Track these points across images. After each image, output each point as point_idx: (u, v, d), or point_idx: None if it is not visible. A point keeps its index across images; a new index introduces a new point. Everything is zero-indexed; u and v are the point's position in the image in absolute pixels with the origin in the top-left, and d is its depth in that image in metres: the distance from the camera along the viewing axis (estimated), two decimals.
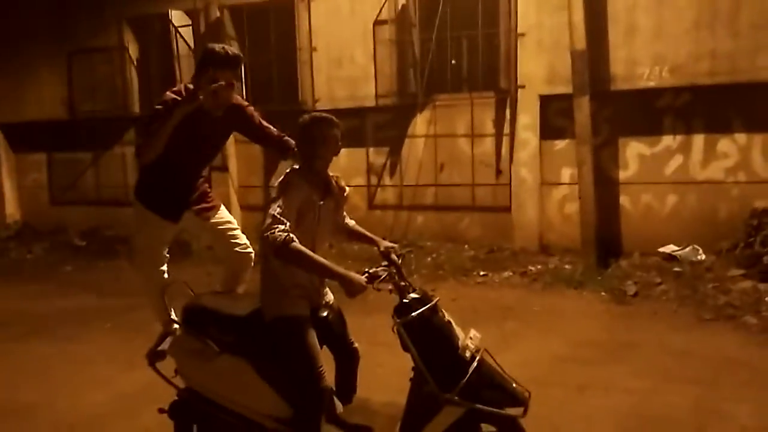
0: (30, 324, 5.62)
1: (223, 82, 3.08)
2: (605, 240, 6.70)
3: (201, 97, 3.07)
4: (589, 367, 4.22)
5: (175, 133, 3.09)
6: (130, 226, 3.57)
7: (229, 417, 2.86)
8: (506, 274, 6.61)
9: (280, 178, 2.76)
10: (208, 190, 3.55)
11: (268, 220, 2.54)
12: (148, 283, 3.48)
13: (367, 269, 2.72)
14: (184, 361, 2.95)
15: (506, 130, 7.30)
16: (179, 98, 3.12)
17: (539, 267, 6.63)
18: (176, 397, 3.03)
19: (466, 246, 7.43)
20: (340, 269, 2.58)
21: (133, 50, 9.22)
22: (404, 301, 2.66)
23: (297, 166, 2.79)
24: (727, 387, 3.83)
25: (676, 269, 6.02)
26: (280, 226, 2.51)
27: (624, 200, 6.88)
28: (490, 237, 7.41)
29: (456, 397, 2.53)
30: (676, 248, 6.40)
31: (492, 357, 2.69)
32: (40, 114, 9.76)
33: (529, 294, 6.04)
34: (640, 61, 6.62)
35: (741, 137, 6.38)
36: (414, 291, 2.72)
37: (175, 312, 3.27)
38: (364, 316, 3.26)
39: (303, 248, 2.53)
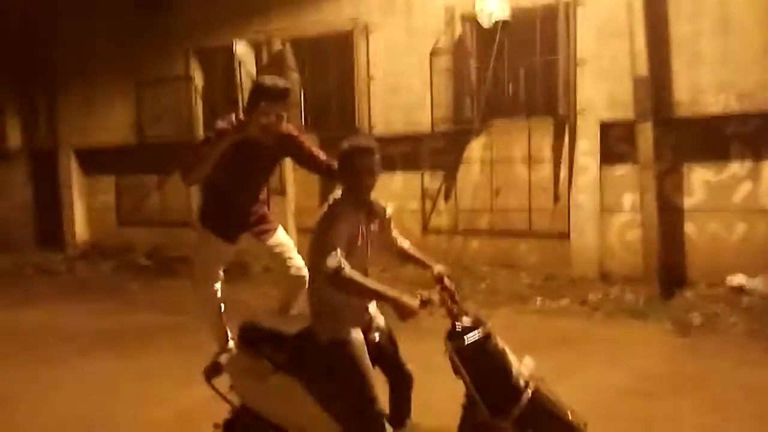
0: (94, 338, 5.85)
1: (273, 116, 3.29)
2: (669, 269, 6.47)
3: (251, 128, 3.29)
4: (654, 400, 4.06)
5: (226, 159, 3.29)
6: (192, 247, 3.76)
7: None
8: (564, 302, 6.46)
9: (326, 209, 2.83)
10: (267, 213, 3.70)
11: (321, 250, 2.61)
12: (205, 300, 3.63)
13: (419, 293, 2.72)
14: (239, 379, 3.03)
15: (564, 155, 7.20)
16: (229, 127, 3.31)
17: (599, 296, 6.44)
18: (230, 414, 3.08)
19: (522, 273, 7.31)
20: (393, 292, 2.60)
21: (198, 79, 9.60)
22: (457, 326, 2.65)
23: (340, 195, 2.84)
24: None
25: (745, 300, 5.74)
26: (332, 254, 2.57)
27: (689, 228, 6.64)
28: (547, 264, 7.27)
29: (509, 425, 2.49)
30: (745, 279, 6.12)
31: (547, 385, 2.65)
32: (109, 139, 10.25)
33: (589, 323, 5.87)
34: (705, 87, 6.44)
35: None
36: (467, 316, 2.71)
37: (231, 330, 3.36)
38: (417, 341, 3.24)
39: (355, 274, 2.58)
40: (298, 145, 3.59)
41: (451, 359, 2.63)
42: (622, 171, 6.89)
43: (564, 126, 7.15)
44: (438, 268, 2.97)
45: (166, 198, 10.12)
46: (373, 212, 2.92)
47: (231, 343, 3.28)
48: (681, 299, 6.09)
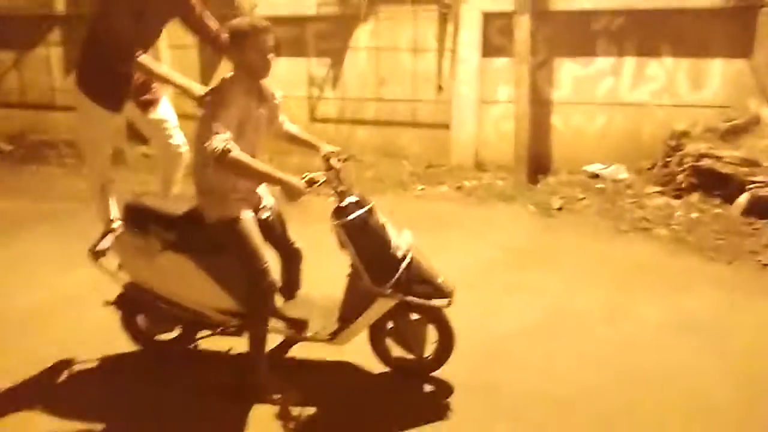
0: None
1: None
2: (537, 158, 7.00)
3: None
4: (517, 270, 4.58)
5: (122, 7, 3.07)
6: (73, 123, 3.53)
7: (175, 309, 3.03)
8: (443, 188, 6.86)
9: (215, 87, 2.83)
10: (151, 81, 3.53)
11: (208, 131, 2.61)
12: (92, 178, 3.52)
13: (306, 174, 2.86)
14: (128, 258, 3.09)
15: (448, 45, 7.35)
16: None
17: (474, 182, 6.90)
18: (122, 291, 3.14)
19: (405, 162, 7.60)
20: (281, 174, 2.72)
21: None
22: (342, 204, 2.85)
23: (232, 75, 2.82)
24: (636, 288, 4.26)
25: (599, 186, 6.41)
26: (220, 135, 2.58)
27: (556, 120, 7.14)
28: (429, 153, 7.59)
29: (388, 290, 2.78)
30: (602, 167, 6.77)
31: (422, 255, 2.94)
32: None
33: (464, 207, 6.32)
34: None
35: (668, 61, 6.68)
36: (352, 195, 2.90)
37: (116, 210, 3.32)
38: (307, 225, 3.41)
39: (243, 156, 2.63)
40: (191, 6, 3.44)
41: (337, 234, 2.84)
42: (499, 63, 7.16)
43: (447, 15, 7.24)
44: (326, 148, 3.09)
45: (24, 78, 9.22)
46: (263, 96, 2.93)
47: (116, 224, 3.25)
48: (545, 185, 6.67)
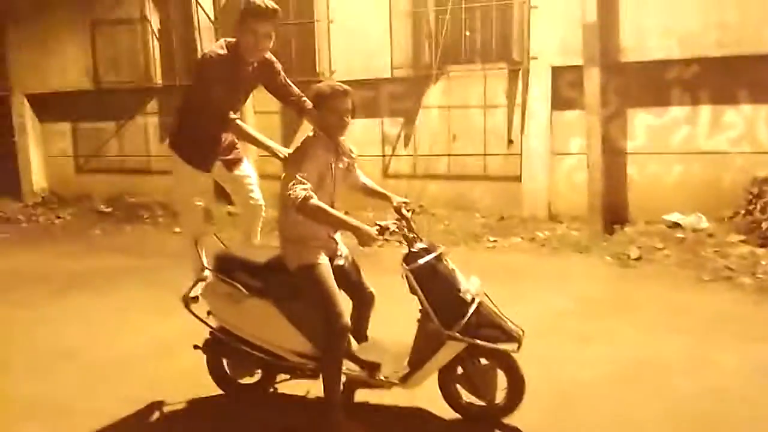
0: (65, 280, 5.99)
1: (262, 35, 3.45)
2: (612, 208, 6.94)
3: (241, 47, 3.46)
4: (591, 320, 4.52)
5: (216, 76, 3.43)
6: (166, 186, 3.92)
7: (257, 352, 3.22)
8: (515, 239, 6.88)
9: (299, 145, 3.10)
10: (236, 141, 3.87)
11: (291, 181, 2.86)
12: (186, 232, 3.85)
13: (378, 222, 3.03)
14: (216, 304, 3.31)
15: (518, 101, 7.50)
16: (224, 52, 3.50)
17: (547, 233, 6.88)
18: (209, 336, 3.38)
19: (477, 214, 7.70)
20: (354, 221, 2.91)
21: (154, 21, 9.46)
22: (412, 249, 3.00)
23: (313, 134, 3.09)
24: (718, 338, 4.11)
25: (679, 236, 6.25)
26: (301, 185, 2.83)
27: (631, 169, 7.09)
28: (500, 205, 7.67)
29: (457, 334, 2.87)
30: (681, 216, 6.61)
31: (491, 300, 3.03)
32: (64, 84, 10.05)
33: (537, 258, 6.31)
34: (650, 33, 6.77)
35: (746, 108, 6.54)
36: (421, 241, 3.06)
37: (207, 260, 3.61)
38: (381, 275, 3.57)
39: (321, 203, 2.86)
40: (276, 72, 3.75)
41: (407, 278, 2.97)
42: (571, 116, 7.24)
43: (518, 72, 7.44)
44: (397, 199, 3.29)
45: (123, 145, 10.07)
46: (341, 152, 3.18)
47: (206, 272, 3.52)
48: (621, 235, 6.57)
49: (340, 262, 3.25)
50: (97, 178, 10.20)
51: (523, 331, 2.98)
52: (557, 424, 3.14)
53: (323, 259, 3.08)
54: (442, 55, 7.74)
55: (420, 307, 3.01)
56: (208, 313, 3.38)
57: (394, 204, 3.26)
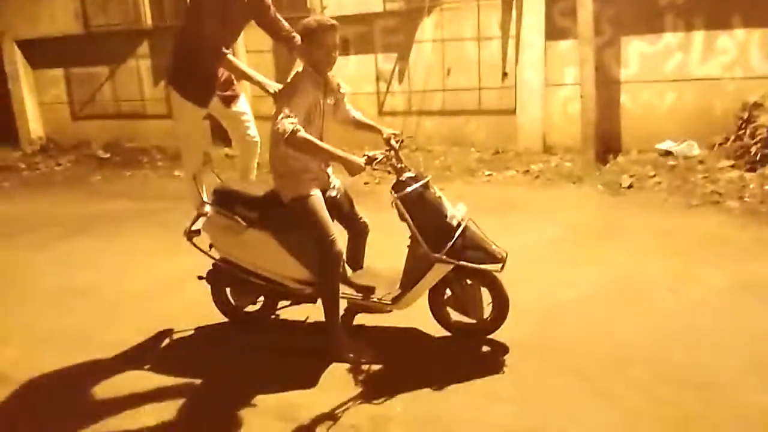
0: (71, 225, 6.13)
1: None
2: (605, 138, 7.01)
3: None
4: (580, 245, 4.69)
5: (199, 15, 3.50)
6: (162, 130, 4.02)
7: (257, 280, 3.42)
8: (510, 173, 6.99)
9: (288, 81, 3.18)
10: (232, 78, 3.93)
11: (279, 116, 2.94)
12: (186, 168, 3.98)
13: (366, 152, 3.15)
14: (217, 236, 3.47)
15: (512, 32, 7.46)
16: None
17: (541, 165, 6.98)
18: (212, 267, 3.56)
19: (472, 149, 7.77)
20: (341, 152, 3.01)
21: None
22: (401, 178, 3.14)
23: (302, 69, 3.16)
24: (703, 258, 4.28)
25: (671, 163, 6.36)
26: (289, 119, 2.92)
27: (624, 98, 7.12)
28: (495, 139, 7.73)
29: (444, 256, 3.04)
30: (673, 144, 6.70)
31: (476, 224, 3.19)
32: (54, 29, 9.91)
33: (531, 190, 6.44)
34: None
35: (739, 33, 6.52)
36: (409, 171, 3.18)
37: (206, 195, 3.74)
38: (378, 212, 3.70)
39: (308, 136, 2.96)
40: (267, 7, 3.81)
41: (397, 206, 3.13)
42: (565, 45, 7.21)
43: (511, 2, 7.35)
44: (387, 131, 3.39)
45: (117, 89, 10.04)
46: (329, 87, 3.25)
47: (207, 207, 3.66)
48: (614, 165, 6.68)
49: (332, 193, 3.39)
50: (93, 123, 10.22)
51: (506, 253, 3.14)
52: (544, 339, 3.33)
53: (315, 191, 3.21)
54: None
55: (410, 234, 3.17)
56: (210, 245, 3.54)
57: (384, 135, 3.36)
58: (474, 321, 3.28)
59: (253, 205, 3.35)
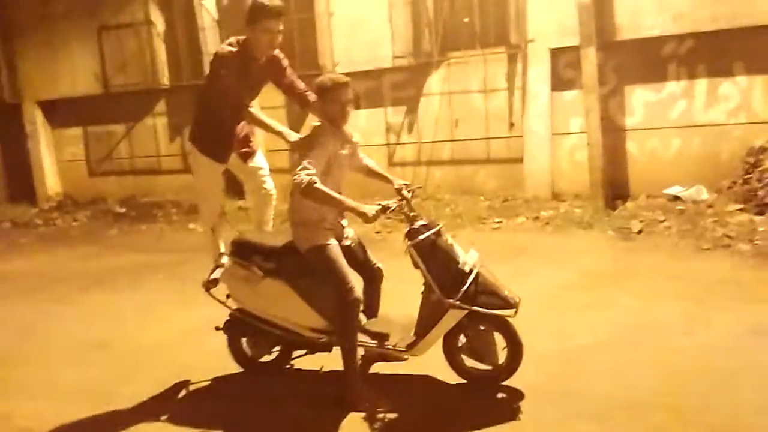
0: (88, 279, 6.24)
1: (275, 33, 3.68)
2: (613, 184, 7.10)
3: (254, 46, 3.70)
4: (591, 290, 4.72)
5: (229, 74, 3.65)
6: (177, 185, 4.14)
7: (273, 329, 3.48)
8: (520, 220, 7.06)
9: (307, 134, 3.35)
10: (250, 135, 4.10)
11: (299, 168, 3.09)
12: (205, 218, 4.11)
13: (380, 202, 3.24)
14: (235, 286, 3.56)
15: (518, 83, 7.66)
16: (237, 50, 3.71)
17: (551, 212, 7.05)
18: (229, 317, 3.62)
19: (482, 197, 7.88)
20: (354, 203, 3.15)
21: (159, 23, 9.66)
22: (413, 226, 3.23)
23: (319, 123, 3.32)
24: (715, 301, 4.29)
25: (680, 208, 6.41)
26: (307, 170, 3.07)
27: (631, 145, 7.23)
28: (504, 187, 7.84)
29: (458, 302, 3.09)
30: (681, 189, 6.76)
31: (488, 270, 3.25)
32: (74, 90, 10.29)
33: (541, 236, 6.50)
34: (644, 10, 6.89)
35: (741, 80, 6.67)
36: (421, 219, 3.28)
37: (224, 247, 3.83)
38: (391, 259, 3.78)
39: (323, 187, 3.10)
40: (284, 68, 3.97)
41: (410, 253, 3.20)
42: (570, 96, 7.39)
43: (516, 55, 7.59)
44: (398, 181, 3.52)
45: (134, 147, 10.31)
46: (345, 138, 3.41)
47: (224, 258, 3.74)
48: (623, 210, 6.74)
49: (347, 242, 3.48)
50: (109, 180, 10.47)
51: (519, 298, 3.19)
52: (561, 384, 3.33)
53: (332, 240, 3.31)
54: (441, 42, 7.90)
55: (423, 280, 3.24)
56: (227, 296, 3.61)
57: (396, 186, 3.48)
58: (488, 367, 3.30)
59: (270, 255, 3.44)
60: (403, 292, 3.51)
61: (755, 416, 2.90)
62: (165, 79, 9.73)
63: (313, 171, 3.08)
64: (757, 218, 5.70)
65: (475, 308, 3.12)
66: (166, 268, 6.34)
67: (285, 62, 3.98)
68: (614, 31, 7.04)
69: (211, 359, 3.88)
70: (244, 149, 4.09)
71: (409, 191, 3.43)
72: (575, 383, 3.36)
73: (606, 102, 7.16)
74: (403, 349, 3.30)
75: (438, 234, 3.24)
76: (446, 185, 8.21)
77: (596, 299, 4.52)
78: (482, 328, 3.26)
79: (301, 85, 3.98)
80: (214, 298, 3.66)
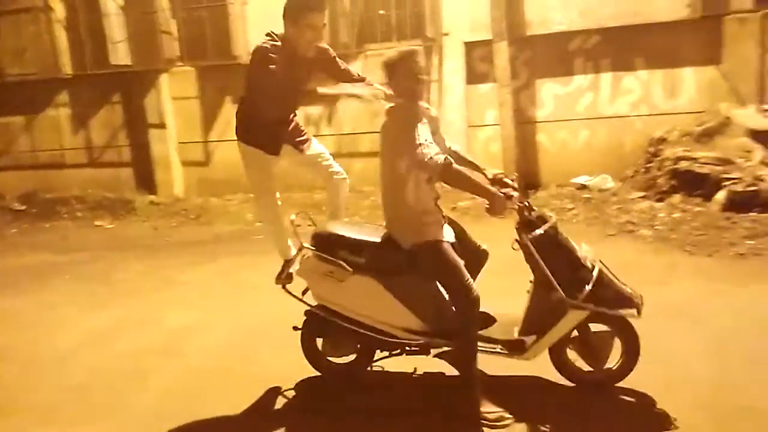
0: None
1: (321, 27, 3.51)
2: (526, 174, 7.35)
3: (299, 42, 3.50)
4: (498, 277, 4.77)
5: (275, 65, 3.40)
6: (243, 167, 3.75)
7: (361, 329, 3.14)
8: None
9: (389, 117, 3.02)
10: (299, 123, 3.83)
11: (419, 149, 2.67)
12: (265, 213, 3.86)
13: (502, 190, 2.92)
14: (317, 282, 3.22)
15: (435, 76, 7.76)
16: (278, 45, 3.49)
17: (467, 202, 7.22)
18: (306, 315, 3.31)
19: None
20: (491, 187, 2.84)
21: (59, 10, 9.10)
22: (530, 219, 2.98)
23: (396, 104, 2.99)
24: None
25: (587, 196, 6.74)
26: (432, 151, 2.67)
27: (541, 137, 7.52)
28: None
29: (581, 302, 2.85)
30: (588, 178, 7.10)
31: (606, 266, 3.00)
32: None
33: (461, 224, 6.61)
34: (552, 6, 7.16)
35: (642, 74, 7.07)
36: (534, 210, 3.04)
37: (298, 239, 3.41)
38: None
39: (461, 168, 2.75)
40: (333, 58, 3.80)
41: (525, 247, 2.92)
42: (484, 89, 7.58)
43: (432, 48, 7.68)
44: (492, 170, 3.20)
45: (35, 140, 9.70)
46: (427, 115, 3.00)
47: (293, 251, 3.53)
48: (534, 200, 6.95)
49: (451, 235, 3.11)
50: (7, 175, 9.78)
51: (641, 297, 2.93)
52: None
53: (441, 235, 2.95)
54: (358, 33, 7.88)
55: (532, 277, 2.98)
56: (304, 292, 3.33)
57: (490, 176, 3.13)
58: (598, 369, 3.04)
59: (359, 250, 3.10)
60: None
61: (661, 389, 3.06)
62: (67, 68, 9.18)
63: (437, 149, 2.68)
64: (657, 205, 6.06)
65: (600, 308, 2.85)
66: (72, 267, 6.01)
67: (332, 52, 3.80)
68: (525, 26, 7.28)
69: (123, 361, 3.72)
70: (298, 139, 3.80)
71: (511, 179, 3.09)
72: None
73: (518, 95, 7.39)
74: (515, 354, 2.99)
75: (555, 227, 2.94)
76: (366, 177, 8.20)
77: (500, 286, 4.59)
78: (600, 329, 3.00)
79: (354, 72, 3.84)
80: (291, 294, 3.34)
